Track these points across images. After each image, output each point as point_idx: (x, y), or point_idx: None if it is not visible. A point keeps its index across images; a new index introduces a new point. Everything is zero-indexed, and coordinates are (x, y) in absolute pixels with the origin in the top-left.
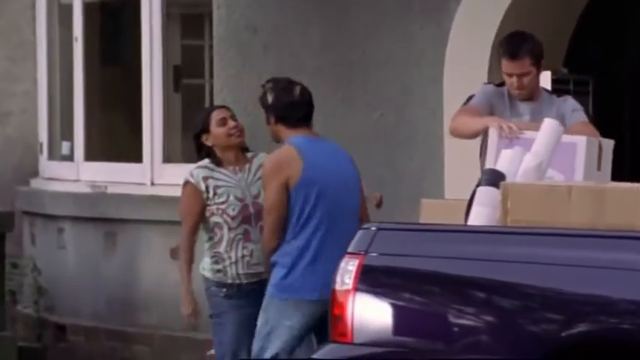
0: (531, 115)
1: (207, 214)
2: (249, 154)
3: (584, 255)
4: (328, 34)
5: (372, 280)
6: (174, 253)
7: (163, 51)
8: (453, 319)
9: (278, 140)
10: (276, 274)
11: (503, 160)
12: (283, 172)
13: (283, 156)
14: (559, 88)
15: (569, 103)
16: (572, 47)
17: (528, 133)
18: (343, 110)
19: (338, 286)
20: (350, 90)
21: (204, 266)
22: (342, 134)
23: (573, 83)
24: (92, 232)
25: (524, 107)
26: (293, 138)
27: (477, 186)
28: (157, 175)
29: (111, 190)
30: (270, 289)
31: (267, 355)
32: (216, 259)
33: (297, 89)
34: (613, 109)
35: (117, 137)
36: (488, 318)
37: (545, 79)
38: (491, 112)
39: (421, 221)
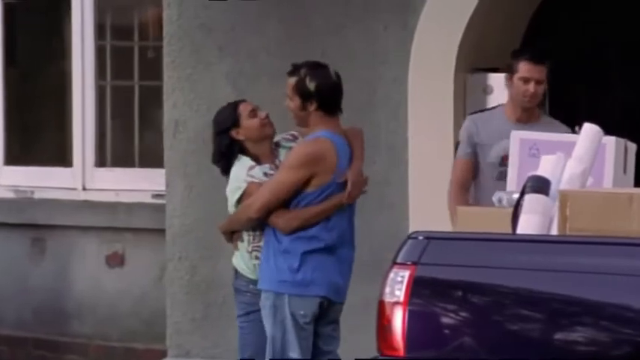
0: None
1: None
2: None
3: None
4: (287, 34)
5: (424, 292)
6: (110, 260)
7: (95, 51)
8: (511, 332)
9: (306, 125)
10: (285, 267)
11: (546, 166)
12: (315, 167)
13: (323, 151)
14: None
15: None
16: (525, 43)
17: (547, 136)
18: None
19: (387, 298)
20: None
21: (242, 265)
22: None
23: None
24: (17, 239)
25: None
26: (333, 135)
27: (522, 193)
28: (88, 179)
29: (38, 195)
30: (279, 284)
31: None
32: (257, 253)
33: (332, 72)
34: (568, 103)
35: (43, 141)
36: (549, 330)
37: (501, 81)
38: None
39: (457, 230)
